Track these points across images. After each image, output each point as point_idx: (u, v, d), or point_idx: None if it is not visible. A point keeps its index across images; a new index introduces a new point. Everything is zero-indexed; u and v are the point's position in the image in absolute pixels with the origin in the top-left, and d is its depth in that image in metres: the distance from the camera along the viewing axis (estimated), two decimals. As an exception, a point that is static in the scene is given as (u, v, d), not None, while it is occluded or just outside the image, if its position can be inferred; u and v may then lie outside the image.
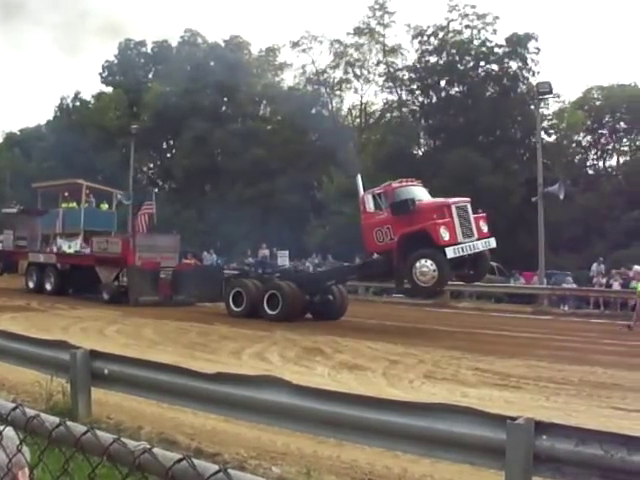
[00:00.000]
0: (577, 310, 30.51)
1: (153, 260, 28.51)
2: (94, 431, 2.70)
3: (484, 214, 22.87)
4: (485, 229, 22.36)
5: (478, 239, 21.78)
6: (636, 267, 31.54)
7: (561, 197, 35.42)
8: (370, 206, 22.52)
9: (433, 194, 23.86)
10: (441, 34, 51.51)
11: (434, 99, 52.75)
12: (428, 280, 20.83)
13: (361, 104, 58.48)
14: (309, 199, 49.11)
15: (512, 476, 5.80)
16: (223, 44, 60.78)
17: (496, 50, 50.71)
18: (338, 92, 58.27)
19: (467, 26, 50.97)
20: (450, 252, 20.59)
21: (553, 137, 52.53)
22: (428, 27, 52.04)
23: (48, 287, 31.02)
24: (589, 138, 58.21)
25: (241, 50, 61.01)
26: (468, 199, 22.60)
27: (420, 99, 53.84)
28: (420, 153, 53.72)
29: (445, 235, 20.67)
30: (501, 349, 18.12)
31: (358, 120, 59.58)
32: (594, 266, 34.49)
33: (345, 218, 46.55)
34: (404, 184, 23.22)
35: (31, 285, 31.98)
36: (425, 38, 52.31)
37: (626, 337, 22.07)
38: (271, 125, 59.21)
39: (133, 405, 10.05)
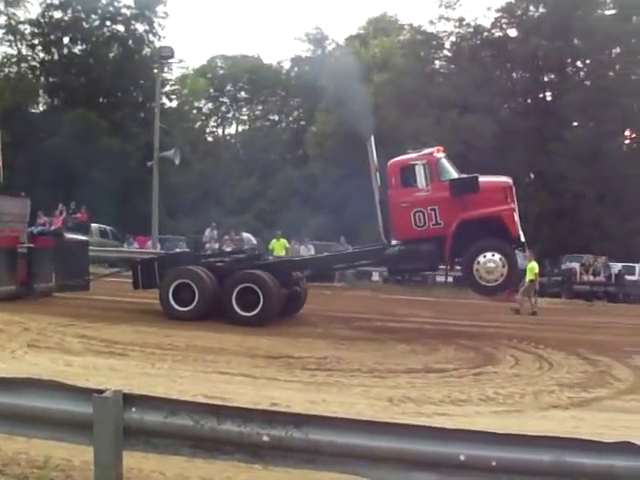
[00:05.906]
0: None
1: (8, 235, 19.57)
2: None
3: None
4: None
5: None
6: (245, 234, 32.98)
7: (176, 162, 35.92)
8: (422, 181, 17.57)
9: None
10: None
11: (56, 56, 50.88)
12: (495, 278, 17.07)
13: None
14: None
15: (101, 451, 5.59)
16: None
17: (123, 11, 50.70)
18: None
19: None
20: (524, 245, 18.12)
21: (175, 102, 53.25)
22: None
23: None
24: (210, 105, 60.03)
25: None
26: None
27: (41, 55, 51.62)
28: (38, 111, 51.70)
29: (517, 223, 17.46)
30: (111, 315, 17.84)
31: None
32: (207, 231, 35.09)
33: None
34: (443, 154, 18.73)
35: None
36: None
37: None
38: None
39: None
